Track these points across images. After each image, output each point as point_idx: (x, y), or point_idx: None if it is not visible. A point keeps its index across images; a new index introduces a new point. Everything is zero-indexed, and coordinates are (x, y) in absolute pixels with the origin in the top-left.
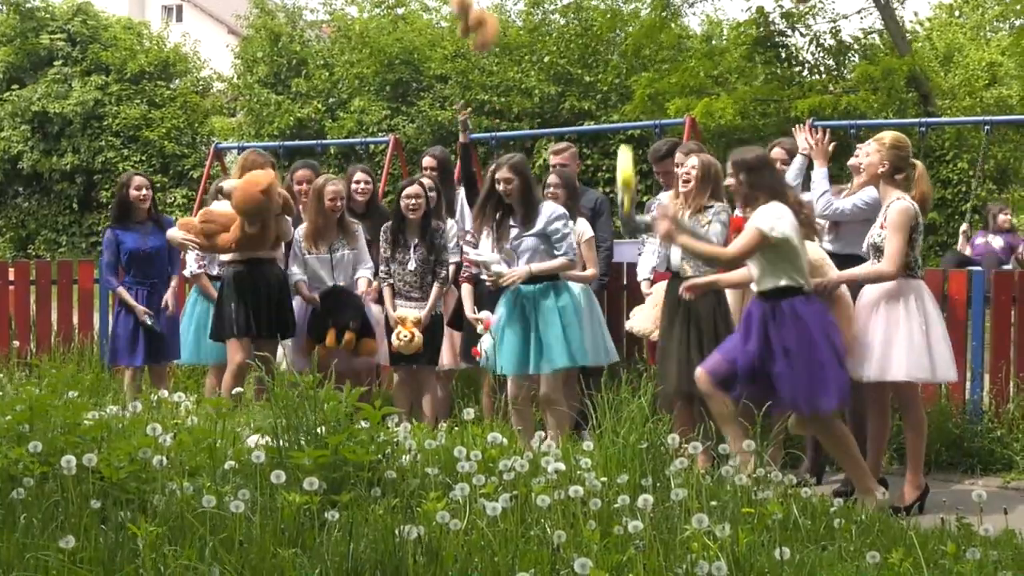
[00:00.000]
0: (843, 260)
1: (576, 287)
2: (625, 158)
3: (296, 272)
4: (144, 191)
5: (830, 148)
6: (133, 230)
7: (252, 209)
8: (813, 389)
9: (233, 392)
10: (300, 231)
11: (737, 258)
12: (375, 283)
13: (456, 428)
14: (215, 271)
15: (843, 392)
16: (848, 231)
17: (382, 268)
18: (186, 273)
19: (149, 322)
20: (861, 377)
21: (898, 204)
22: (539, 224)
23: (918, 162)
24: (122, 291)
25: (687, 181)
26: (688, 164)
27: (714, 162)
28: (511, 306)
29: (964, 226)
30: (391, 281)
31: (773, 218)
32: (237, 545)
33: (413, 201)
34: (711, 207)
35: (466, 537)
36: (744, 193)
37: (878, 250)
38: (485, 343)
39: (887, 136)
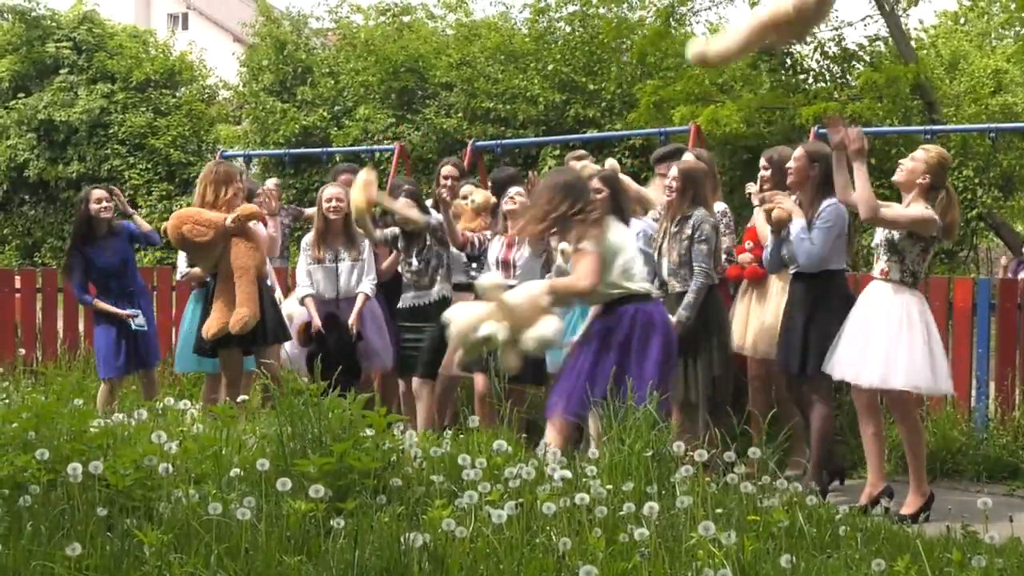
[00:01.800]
0: (830, 274)
1: None
2: None
3: (305, 286)
4: (104, 203)
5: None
6: (98, 247)
7: (177, 246)
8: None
9: (238, 400)
10: (308, 239)
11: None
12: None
13: (461, 435)
14: None
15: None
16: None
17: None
18: (178, 276)
19: (137, 323)
20: (861, 383)
21: (926, 211)
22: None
23: (951, 188)
24: (99, 303)
25: (670, 189)
26: (671, 172)
27: (697, 167)
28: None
29: (1003, 259)
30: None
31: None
32: (243, 552)
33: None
34: (690, 216)
35: (471, 545)
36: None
37: (892, 246)
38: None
39: (934, 150)
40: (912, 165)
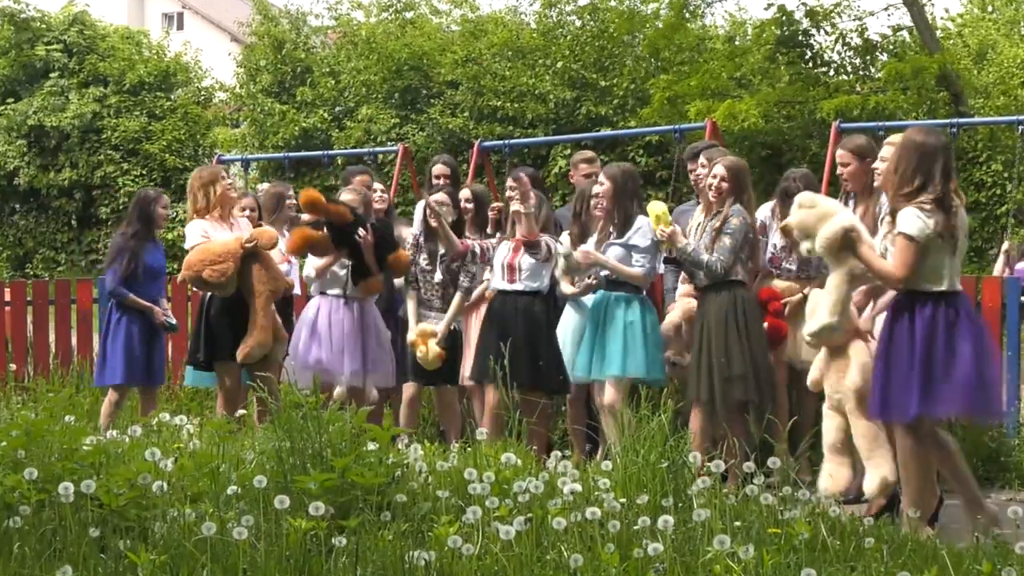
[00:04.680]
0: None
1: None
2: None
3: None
4: (169, 210)
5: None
6: (147, 248)
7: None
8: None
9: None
10: None
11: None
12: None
13: (468, 448)
14: None
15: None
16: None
17: (411, 276)
18: None
19: (173, 321)
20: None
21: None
22: (627, 235)
23: None
24: (134, 297)
25: (717, 189)
26: (716, 171)
27: (744, 166)
28: (584, 312)
29: (1005, 245)
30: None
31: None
32: (241, 573)
33: (444, 209)
34: (728, 212)
35: (479, 562)
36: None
37: None
38: None
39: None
40: (884, 165)
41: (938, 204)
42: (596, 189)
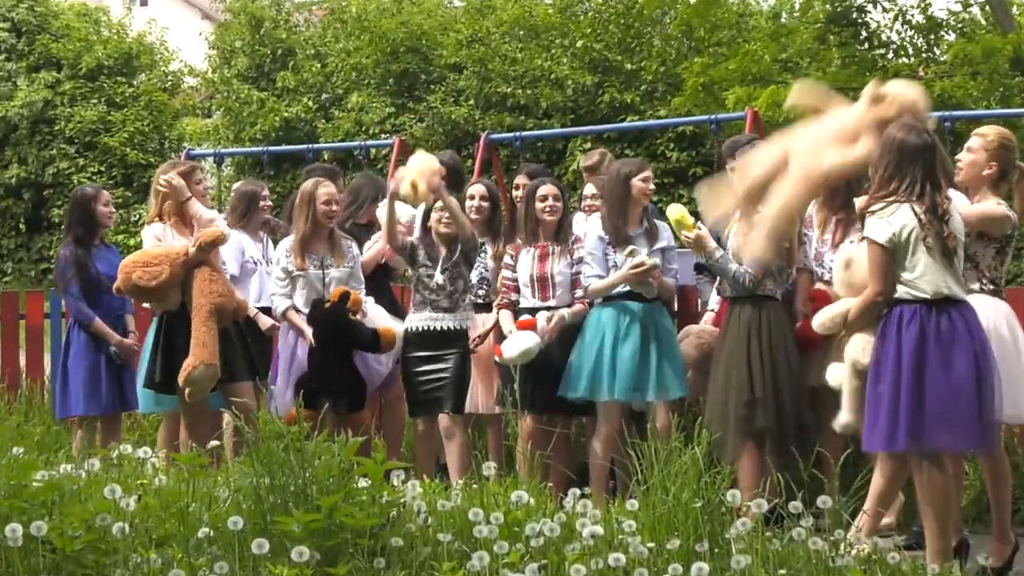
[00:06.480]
0: None
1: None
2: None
3: (283, 298)
4: (112, 207)
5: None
6: (96, 254)
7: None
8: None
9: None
10: (287, 245)
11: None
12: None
13: (475, 485)
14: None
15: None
16: None
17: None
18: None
19: (115, 352)
20: None
21: (997, 208)
22: (662, 241)
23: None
24: (102, 325)
25: None
26: None
27: None
28: (622, 323)
29: None
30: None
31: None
32: None
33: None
34: None
35: None
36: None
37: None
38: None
39: (991, 132)
40: (972, 158)
41: (928, 208)
42: None
